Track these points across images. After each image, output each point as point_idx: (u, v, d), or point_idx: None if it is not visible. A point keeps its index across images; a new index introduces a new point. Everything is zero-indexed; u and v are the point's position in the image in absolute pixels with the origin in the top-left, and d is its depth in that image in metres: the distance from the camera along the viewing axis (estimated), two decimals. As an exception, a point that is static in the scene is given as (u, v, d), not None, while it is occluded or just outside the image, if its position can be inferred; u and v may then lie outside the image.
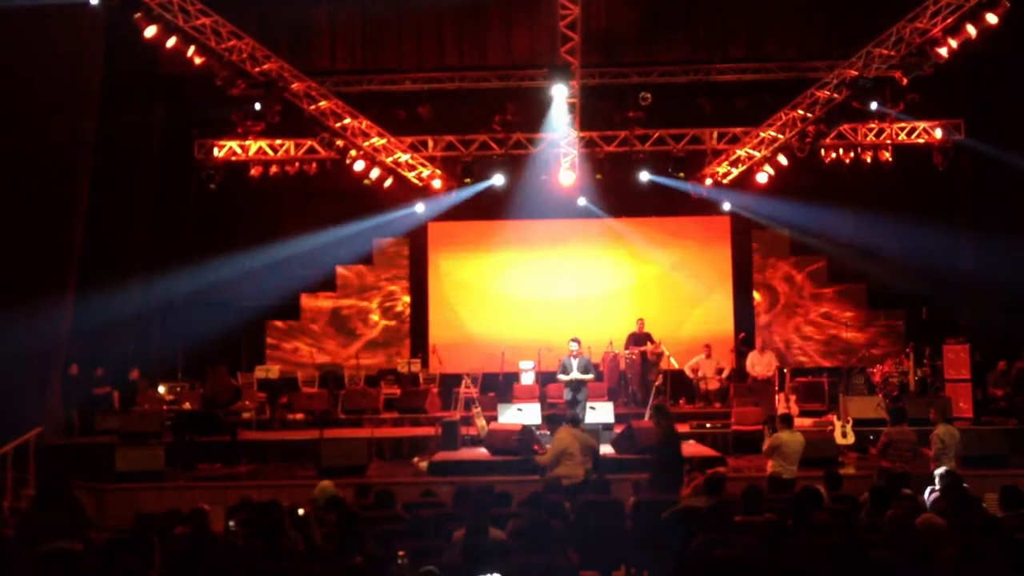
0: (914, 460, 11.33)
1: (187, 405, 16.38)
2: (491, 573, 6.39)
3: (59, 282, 15.84)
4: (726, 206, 19.60)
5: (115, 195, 17.59)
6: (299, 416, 17.65)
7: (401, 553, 6.82)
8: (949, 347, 16.86)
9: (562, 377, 15.71)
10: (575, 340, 15.89)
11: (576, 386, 15.64)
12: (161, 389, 17.20)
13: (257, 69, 16.66)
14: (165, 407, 16.50)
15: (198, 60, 16.05)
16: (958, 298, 18.36)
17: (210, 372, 17.60)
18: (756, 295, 20.73)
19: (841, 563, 6.34)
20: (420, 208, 19.64)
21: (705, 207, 19.72)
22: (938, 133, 18.88)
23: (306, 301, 20.99)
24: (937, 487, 9.47)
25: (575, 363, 15.60)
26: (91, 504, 10.74)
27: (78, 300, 16.14)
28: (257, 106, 16.74)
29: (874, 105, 16.64)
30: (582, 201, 19.39)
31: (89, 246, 16.43)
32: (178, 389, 17.28)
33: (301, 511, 8.83)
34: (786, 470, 11.34)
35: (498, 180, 19.00)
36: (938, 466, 10.85)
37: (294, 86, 17.33)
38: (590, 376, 15.88)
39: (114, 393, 17.25)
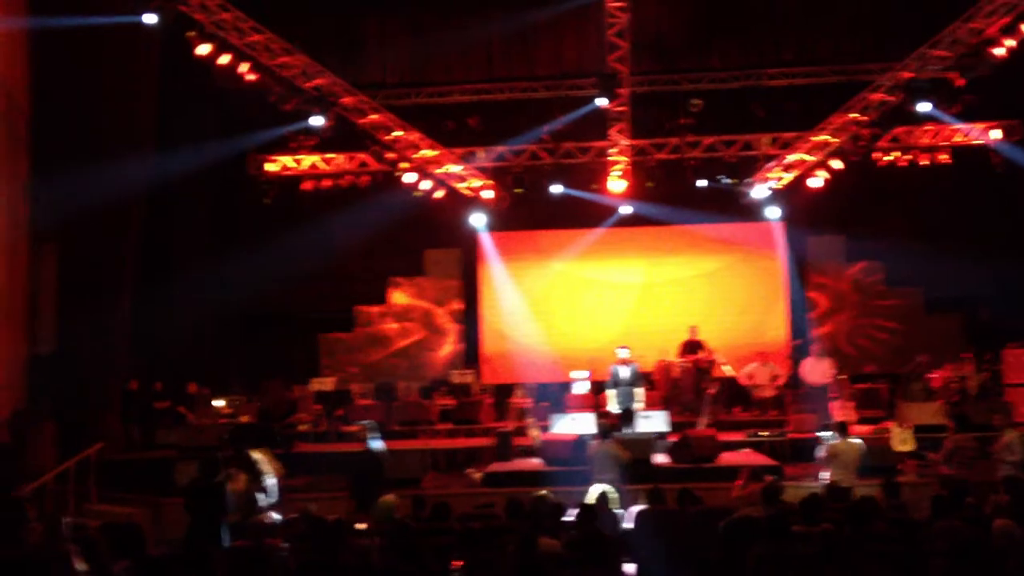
0: (976, 467, 11.15)
1: (244, 418, 16.53)
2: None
3: (116, 298, 16.13)
4: (779, 211, 19.42)
5: (171, 211, 17.87)
6: (354, 428, 17.73)
7: (456, 564, 6.84)
8: (1010, 351, 16.58)
9: (609, 392, 15.68)
10: (623, 348, 15.84)
11: (625, 396, 15.57)
12: (218, 403, 17.37)
13: (309, 84, 16.82)
14: (222, 420, 16.67)
15: (251, 77, 16.23)
16: (1019, 302, 18.02)
17: (266, 385, 17.83)
18: (811, 301, 20.49)
19: (900, 572, 6.25)
20: (480, 220, 19.70)
21: (758, 213, 19.55)
22: (996, 134, 18.58)
23: (360, 313, 21.13)
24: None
25: (623, 371, 15.57)
26: (148, 517, 10.84)
27: (135, 315, 16.41)
28: (315, 122, 16.80)
29: (928, 107, 16.40)
30: (628, 209, 19.30)
31: (147, 262, 16.70)
32: (235, 402, 17.46)
33: (360, 526, 8.91)
34: (844, 478, 11.21)
35: (556, 189, 19.00)
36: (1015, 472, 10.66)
37: (345, 100, 17.48)
38: (639, 389, 15.79)
39: (179, 407, 17.44)
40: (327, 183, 19.59)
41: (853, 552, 7.17)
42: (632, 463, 13.05)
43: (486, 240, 20.73)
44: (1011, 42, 15.44)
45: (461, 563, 7.08)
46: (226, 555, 7.55)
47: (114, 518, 10.36)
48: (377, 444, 12.21)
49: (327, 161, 19.57)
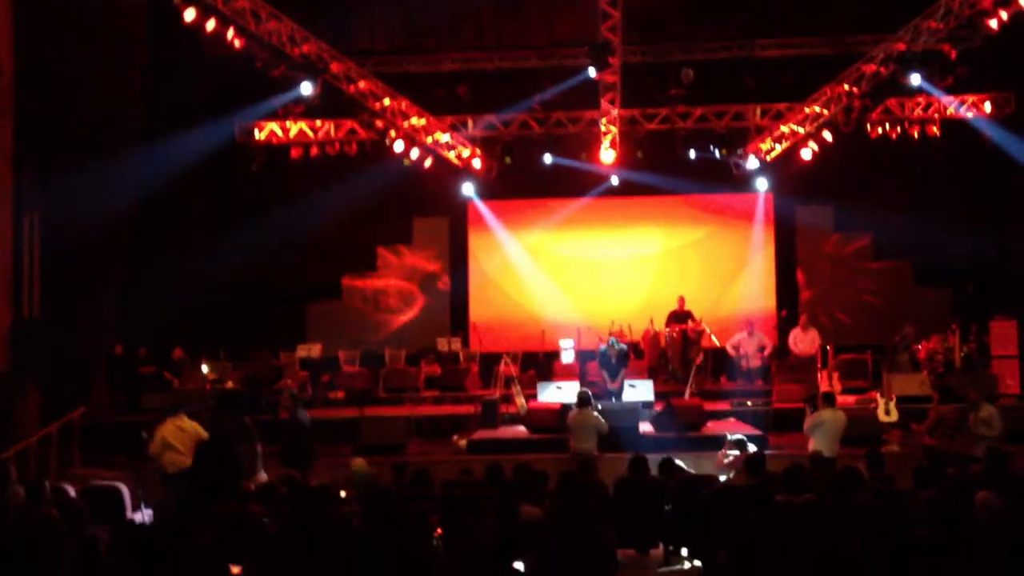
0: (959, 438, 11.18)
1: (230, 384, 16.51)
2: (526, 551, 6.38)
3: (105, 264, 16.07)
4: (769, 182, 19.37)
5: (161, 178, 17.75)
6: (340, 395, 17.75)
7: (437, 532, 6.83)
8: (996, 323, 16.62)
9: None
10: (612, 335, 16.26)
11: (613, 372, 15.72)
12: (204, 368, 17.35)
13: (297, 51, 16.66)
14: (208, 386, 16.64)
15: (238, 43, 16.06)
16: (1006, 274, 18.06)
17: (252, 351, 17.79)
18: (799, 271, 20.50)
19: (883, 543, 6.26)
20: (469, 189, 19.63)
21: (748, 184, 19.51)
22: (987, 107, 18.54)
23: (347, 281, 21.08)
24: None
25: (611, 352, 15.85)
26: (131, 482, 10.84)
27: (123, 281, 16.35)
28: (305, 90, 16.65)
29: (917, 80, 16.35)
30: (615, 180, 19.27)
31: (135, 228, 16.61)
32: (221, 368, 17.44)
33: (343, 493, 8.90)
34: (828, 448, 11.24)
35: (547, 159, 18.94)
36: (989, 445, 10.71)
37: (333, 67, 17.31)
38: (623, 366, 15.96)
39: (164, 372, 17.41)
40: (315, 151, 19.44)
41: (836, 522, 7.17)
42: (613, 432, 13.14)
43: (475, 209, 20.67)
44: (1005, 13, 15.34)
45: (441, 530, 7.07)
46: (208, 522, 7.51)
47: (97, 482, 10.30)
48: (301, 413, 12.25)
49: (315, 129, 19.43)
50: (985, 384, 12.29)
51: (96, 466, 13.32)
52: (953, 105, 18.23)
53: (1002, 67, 18.17)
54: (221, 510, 8.26)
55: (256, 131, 19.51)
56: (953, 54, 16.06)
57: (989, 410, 11.24)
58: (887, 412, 14.02)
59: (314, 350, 18.78)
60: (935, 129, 18.70)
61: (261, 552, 6.92)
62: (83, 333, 15.63)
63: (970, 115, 18.57)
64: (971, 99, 18.56)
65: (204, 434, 10.92)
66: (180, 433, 10.89)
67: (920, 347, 16.96)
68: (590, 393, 13.02)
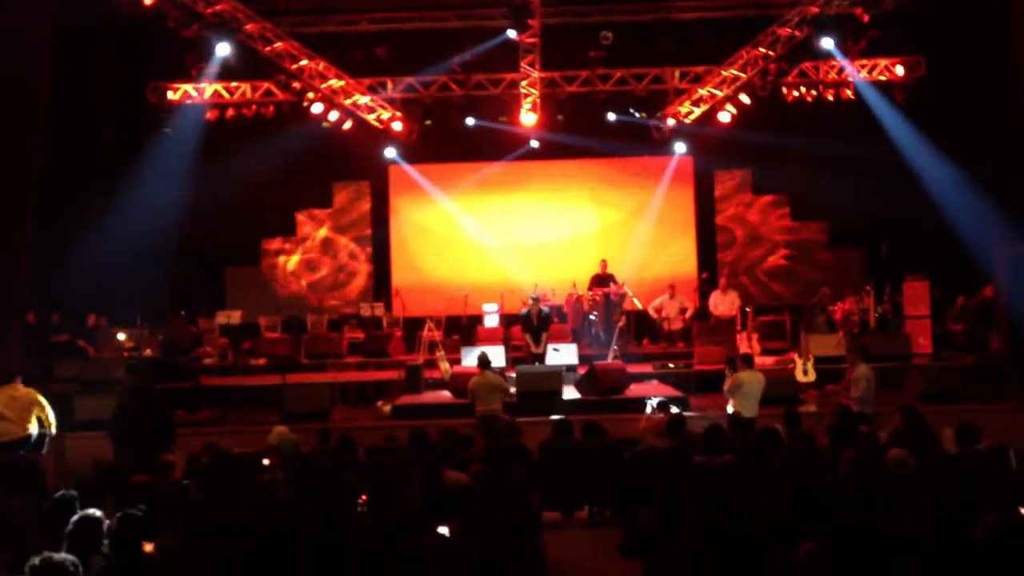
0: (876, 398, 11.46)
1: (147, 352, 16.22)
2: (451, 517, 6.39)
3: (14, 228, 15.58)
4: (687, 146, 19.52)
5: (71, 140, 17.27)
6: (262, 361, 17.53)
7: (362, 500, 6.80)
8: (909, 284, 17.03)
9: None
10: (534, 297, 16.15)
11: (536, 335, 15.75)
12: (121, 336, 16.99)
13: (210, 10, 16.28)
14: (125, 354, 16.33)
15: (148, 1, 15.66)
16: (917, 235, 18.50)
17: (170, 318, 17.46)
18: (718, 234, 20.73)
19: (801, 503, 6.37)
20: (391, 152, 19.45)
21: (667, 147, 19.64)
22: (899, 70, 18.88)
23: (266, 246, 20.80)
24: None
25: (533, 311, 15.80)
26: (50, 453, 10.61)
27: (33, 245, 15.88)
28: (221, 51, 16.29)
29: (830, 43, 16.60)
30: (535, 143, 19.29)
31: (43, 191, 16.12)
32: (138, 335, 17.10)
33: (266, 461, 8.82)
34: (747, 409, 11.43)
35: (469, 122, 18.85)
36: (861, 408, 11.05)
37: (248, 27, 16.97)
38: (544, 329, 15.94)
39: (78, 341, 17.02)
40: (231, 113, 19.08)
41: (753, 482, 7.29)
42: (538, 396, 13.22)
43: (396, 173, 20.49)
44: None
45: (366, 497, 7.04)
46: (121, 491, 7.37)
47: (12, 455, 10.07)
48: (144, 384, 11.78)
49: (230, 90, 19.05)
50: (854, 349, 12.53)
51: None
52: (849, 70, 18.45)
53: (914, 31, 18.45)
54: (136, 479, 8.13)
55: (169, 92, 19.07)
56: (866, 18, 16.33)
57: (861, 370, 11.54)
58: (805, 372, 14.29)
59: (234, 316, 18.52)
60: (849, 92, 18.98)
61: (185, 523, 6.82)
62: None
63: (882, 78, 18.91)
64: (883, 63, 18.88)
65: (41, 400, 10.57)
66: (12, 401, 10.54)
67: (836, 308, 17.30)
68: (489, 356, 13.01)
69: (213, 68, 17.21)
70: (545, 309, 16.12)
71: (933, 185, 17.75)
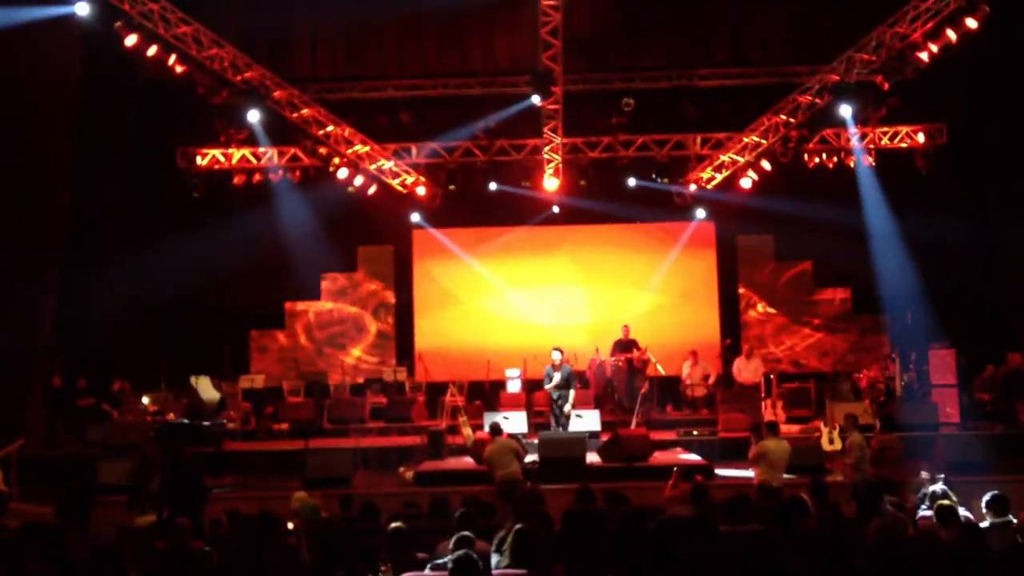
0: (901, 466, 11.33)
1: (171, 415, 16.24)
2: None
3: (38, 293, 15.74)
4: (708, 212, 19.59)
5: (96, 206, 17.50)
6: (284, 426, 17.52)
7: (384, 568, 6.75)
8: (935, 352, 16.85)
9: (547, 386, 15.59)
10: (557, 350, 15.60)
11: (559, 397, 15.56)
12: (145, 400, 17.04)
13: (239, 77, 16.57)
14: (149, 418, 16.35)
15: (179, 68, 15.96)
16: (944, 303, 18.38)
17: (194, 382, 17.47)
18: (741, 300, 20.68)
19: (828, 573, 6.29)
20: (415, 217, 19.61)
21: (689, 212, 19.71)
22: (920, 137, 18.95)
23: (291, 309, 20.89)
24: (927, 499, 9.38)
25: (556, 375, 15.39)
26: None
27: (58, 311, 16.03)
28: (252, 117, 16.58)
29: (848, 111, 16.73)
30: (557, 208, 19.42)
31: (69, 255, 16.32)
32: (162, 399, 17.14)
33: (291, 525, 8.78)
34: (773, 478, 11.31)
35: (492, 187, 19.02)
36: (858, 474, 11.16)
37: (276, 94, 17.25)
38: (571, 391, 15.47)
39: (103, 405, 17.06)
40: (258, 177, 19.31)
41: (780, 550, 7.21)
42: (561, 462, 13.14)
43: (420, 237, 20.61)
44: (934, 46, 15.71)
45: (389, 566, 6.99)
46: (142, 557, 7.35)
47: (35, 517, 10.07)
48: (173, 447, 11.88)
49: (257, 155, 19.30)
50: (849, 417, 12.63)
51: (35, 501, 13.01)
52: (855, 138, 18.52)
53: (935, 99, 18.52)
54: (157, 546, 8.09)
55: (198, 157, 19.34)
56: (886, 85, 16.41)
57: (854, 439, 11.51)
58: (831, 441, 14.13)
59: (257, 380, 18.59)
60: (870, 159, 19.02)
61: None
62: (18, 360, 15.26)
63: (903, 145, 18.97)
64: (904, 130, 18.96)
65: None
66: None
67: (861, 376, 17.17)
68: (499, 423, 12.94)
69: (242, 134, 17.47)
70: (568, 367, 15.72)
71: (957, 252, 17.74)
